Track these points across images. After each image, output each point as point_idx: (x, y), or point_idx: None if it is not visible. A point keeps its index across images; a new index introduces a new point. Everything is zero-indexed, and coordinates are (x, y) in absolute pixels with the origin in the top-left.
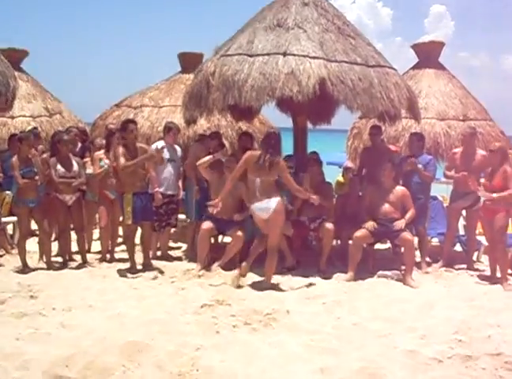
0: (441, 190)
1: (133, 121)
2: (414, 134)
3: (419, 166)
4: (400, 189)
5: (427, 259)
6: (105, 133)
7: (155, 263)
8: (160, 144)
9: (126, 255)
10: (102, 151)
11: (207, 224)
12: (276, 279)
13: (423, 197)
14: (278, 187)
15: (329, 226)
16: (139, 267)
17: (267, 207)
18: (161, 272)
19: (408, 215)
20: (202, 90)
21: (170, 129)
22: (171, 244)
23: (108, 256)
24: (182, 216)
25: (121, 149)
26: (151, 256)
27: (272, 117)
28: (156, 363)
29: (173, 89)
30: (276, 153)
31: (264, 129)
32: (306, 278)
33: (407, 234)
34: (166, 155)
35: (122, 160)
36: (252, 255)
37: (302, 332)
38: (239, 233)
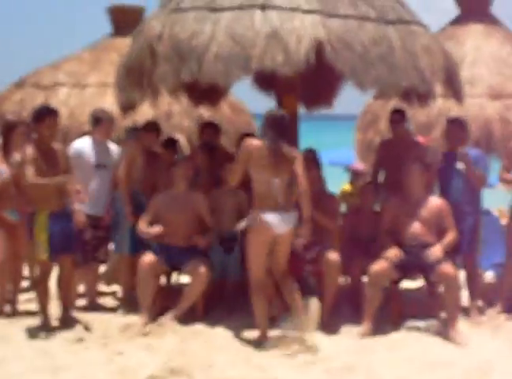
0: (496, 201)
1: (53, 111)
2: (452, 121)
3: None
4: (435, 202)
5: (479, 302)
6: (1, 126)
7: (78, 316)
8: (85, 142)
9: (34, 306)
10: None
11: (150, 256)
12: (253, 335)
13: (472, 212)
14: None
15: (334, 256)
16: (55, 323)
17: (288, 219)
18: (88, 330)
19: (448, 238)
20: (144, 61)
21: (99, 121)
22: (102, 288)
23: (8, 307)
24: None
25: (29, 151)
26: (72, 306)
27: (248, 99)
28: None
29: (101, 60)
30: (288, 141)
31: (236, 117)
32: (301, 333)
33: (448, 266)
34: (92, 158)
35: (30, 172)
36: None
37: None
38: (202, 269)
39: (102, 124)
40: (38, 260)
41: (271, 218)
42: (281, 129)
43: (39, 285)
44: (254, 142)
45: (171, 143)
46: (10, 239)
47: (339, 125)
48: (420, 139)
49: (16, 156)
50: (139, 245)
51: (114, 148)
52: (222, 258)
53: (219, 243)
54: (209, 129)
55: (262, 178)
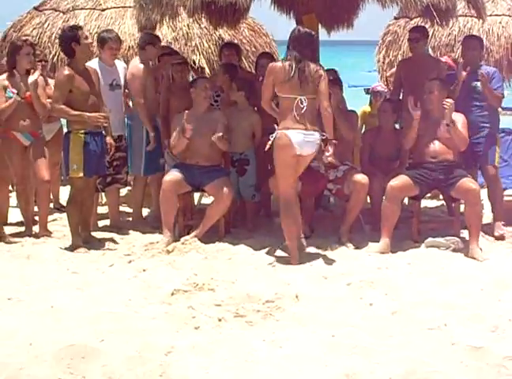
0: None
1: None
2: (468, 38)
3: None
4: (454, 117)
5: (500, 218)
6: (8, 47)
7: (102, 236)
8: (95, 64)
9: (58, 226)
10: (4, 75)
11: (173, 174)
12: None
13: (488, 125)
14: None
15: (362, 177)
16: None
17: (314, 140)
18: (112, 249)
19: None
20: None
21: (104, 42)
22: (125, 208)
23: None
24: None
25: (66, 72)
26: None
27: (269, 23)
28: (108, 374)
29: None
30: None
31: (256, 40)
32: (324, 250)
33: (469, 182)
34: (103, 79)
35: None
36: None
37: (318, 326)
38: (225, 189)
39: (107, 45)
40: (73, 178)
41: (295, 137)
42: (306, 46)
43: (72, 204)
44: (278, 64)
45: (185, 64)
46: (22, 162)
47: (361, 50)
48: (448, 60)
49: (31, 78)
50: (154, 167)
51: (122, 68)
52: (235, 180)
53: (231, 164)
54: (230, 50)
55: (287, 97)
